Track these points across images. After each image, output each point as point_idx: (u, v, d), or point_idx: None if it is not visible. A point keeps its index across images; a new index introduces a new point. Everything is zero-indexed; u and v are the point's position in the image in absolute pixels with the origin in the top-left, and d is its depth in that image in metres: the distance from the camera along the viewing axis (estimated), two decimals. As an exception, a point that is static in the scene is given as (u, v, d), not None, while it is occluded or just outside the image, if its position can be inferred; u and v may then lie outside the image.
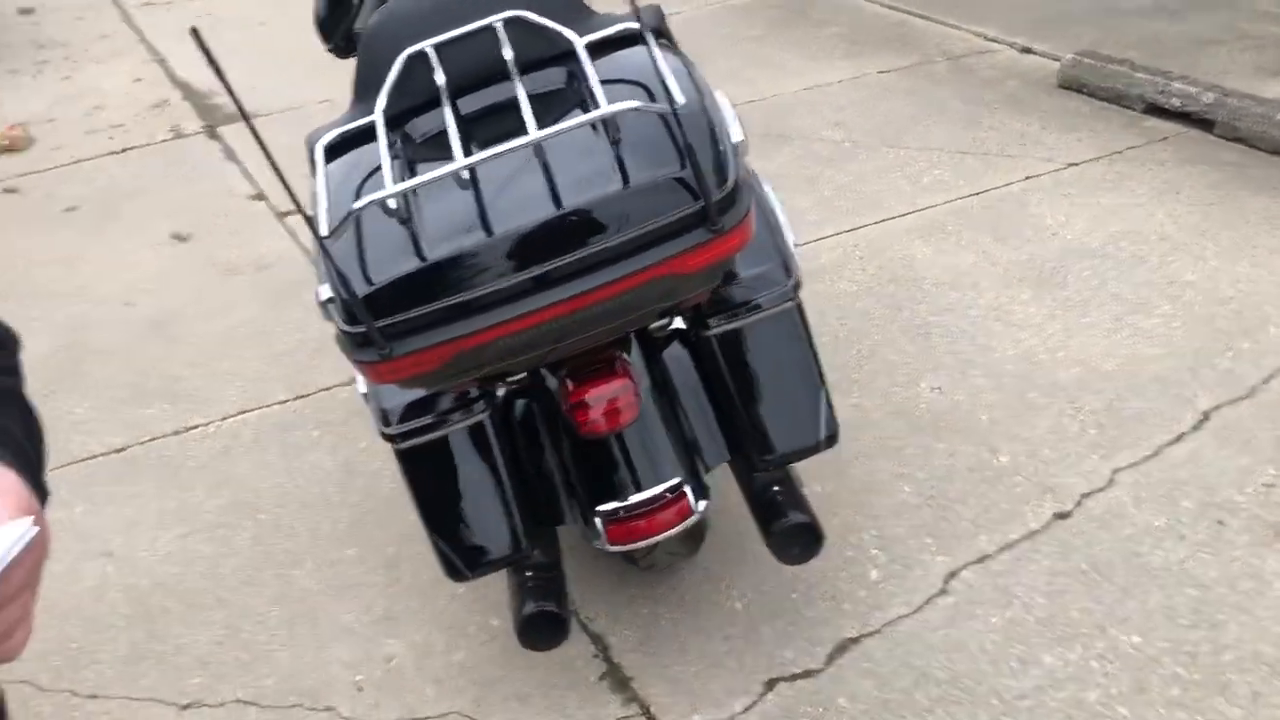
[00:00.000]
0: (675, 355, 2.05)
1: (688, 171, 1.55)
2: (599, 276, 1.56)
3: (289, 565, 2.51)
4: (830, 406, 2.02)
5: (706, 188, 1.52)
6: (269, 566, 2.51)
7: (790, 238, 2.49)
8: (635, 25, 1.75)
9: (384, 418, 1.91)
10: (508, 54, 1.77)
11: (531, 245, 1.56)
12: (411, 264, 1.56)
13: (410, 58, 1.78)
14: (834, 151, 4.16)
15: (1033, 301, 3.14)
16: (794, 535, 2.00)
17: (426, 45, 1.75)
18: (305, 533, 2.59)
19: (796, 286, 1.99)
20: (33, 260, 4.07)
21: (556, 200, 1.57)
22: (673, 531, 1.96)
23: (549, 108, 1.68)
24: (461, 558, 1.93)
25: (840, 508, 2.50)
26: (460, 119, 1.71)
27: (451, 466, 1.93)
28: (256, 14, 6.56)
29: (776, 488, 2.07)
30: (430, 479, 1.93)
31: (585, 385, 1.86)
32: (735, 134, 1.70)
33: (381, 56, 1.79)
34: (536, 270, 1.56)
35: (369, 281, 1.56)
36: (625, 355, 1.95)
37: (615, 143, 1.60)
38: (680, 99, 1.58)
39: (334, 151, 1.83)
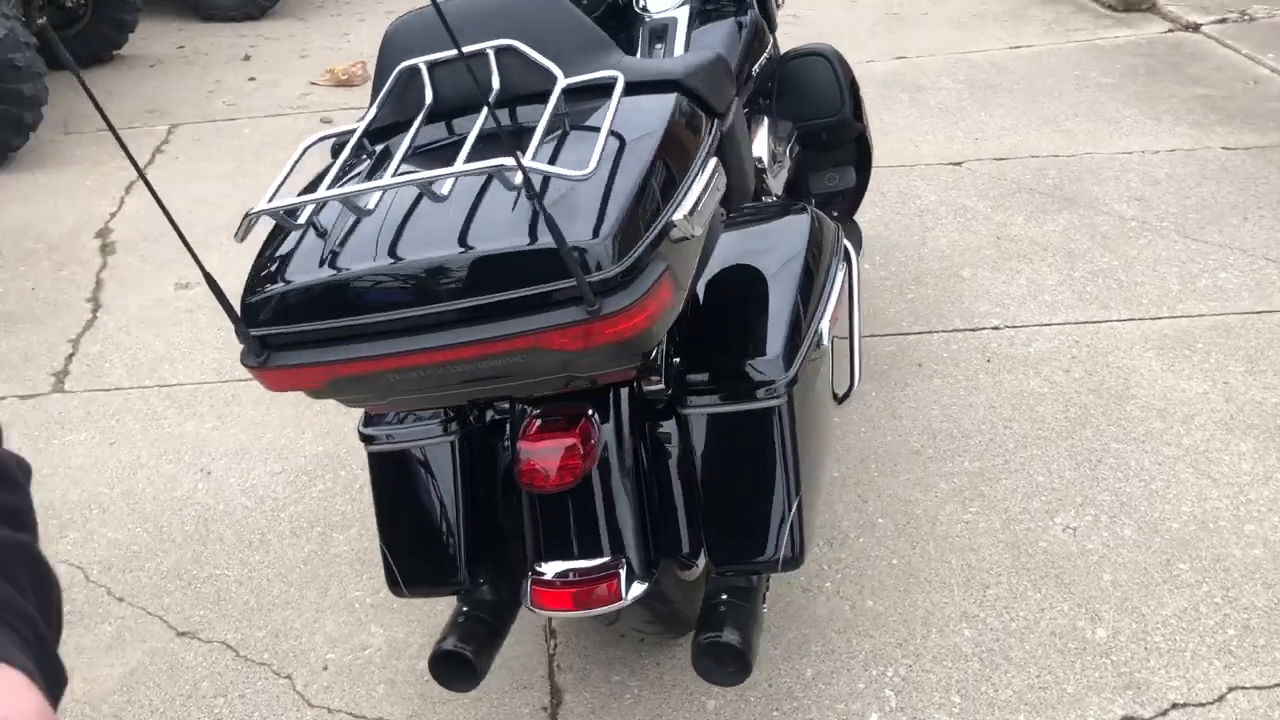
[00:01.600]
0: (663, 427, 1.88)
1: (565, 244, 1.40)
2: (466, 333, 1.46)
3: (336, 527, 2.61)
4: (799, 526, 1.78)
5: (573, 265, 1.37)
6: (319, 524, 2.62)
7: (855, 332, 2.23)
8: (616, 74, 1.61)
9: (364, 416, 1.92)
10: (494, 83, 1.68)
11: (408, 287, 1.49)
12: (294, 281, 1.53)
13: (411, 71, 1.74)
14: (1115, 229, 3.65)
15: (1249, 456, 2.59)
16: (716, 654, 1.79)
17: (420, 61, 1.71)
18: (367, 500, 2.67)
19: (791, 383, 1.77)
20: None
21: (440, 246, 1.48)
22: (593, 613, 1.82)
23: (494, 147, 1.58)
24: (402, 574, 1.91)
25: (880, 631, 2.21)
26: (414, 143, 1.65)
27: (413, 481, 1.91)
28: None
29: (726, 596, 1.86)
30: (391, 488, 1.91)
31: (535, 434, 1.76)
32: (679, 212, 1.51)
33: (388, 65, 1.77)
34: (407, 313, 1.48)
35: (252, 290, 1.55)
36: (592, 413, 1.82)
37: (531, 198, 1.48)
38: (589, 167, 1.43)
39: (336, 152, 1.84)
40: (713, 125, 1.72)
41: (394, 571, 1.91)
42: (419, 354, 1.48)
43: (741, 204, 1.91)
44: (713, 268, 1.97)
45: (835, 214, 3.05)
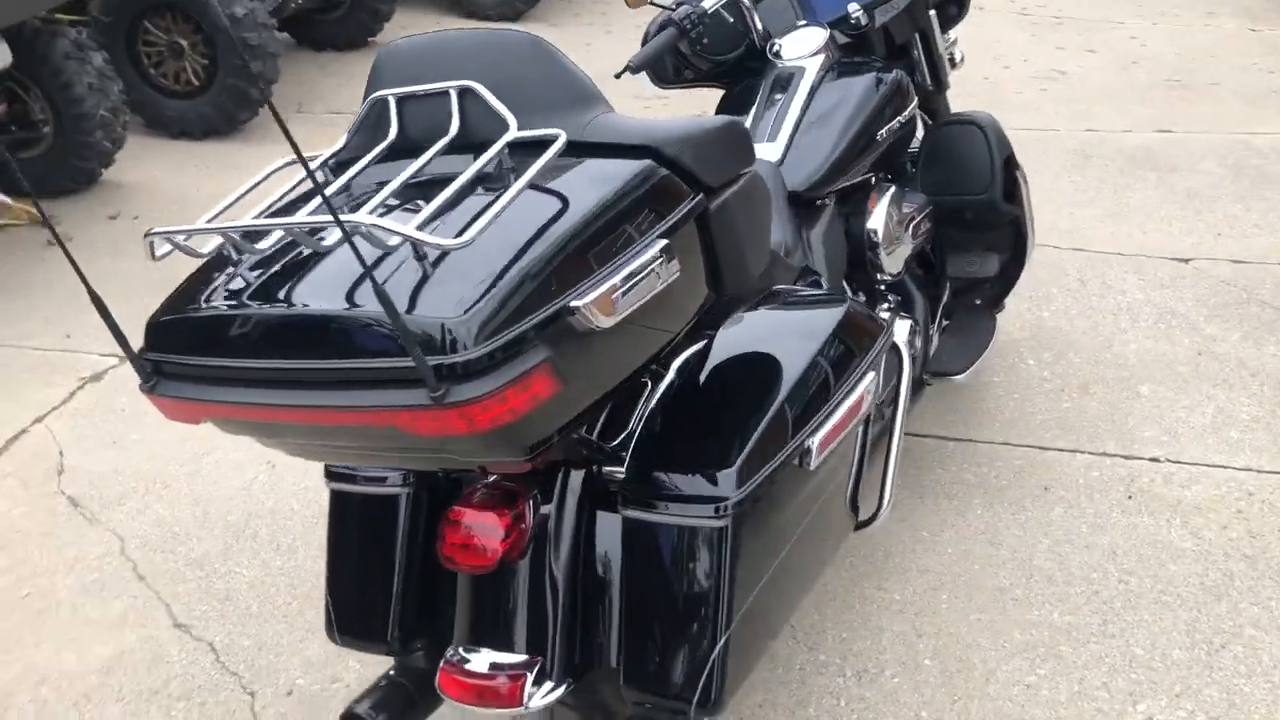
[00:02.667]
0: (609, 521, 1.68)
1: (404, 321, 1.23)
2: (318, 397, 1.32)
3: (361, 548, 2.55)
4: (722, 667, 1.54)
5: (409, 342, 1.20)
6: (348, 540, 2.57)
7: (894, 449, 1.94)
8: (557, 132, 1.43)
9: None
10: (454, 125, 1.54)
11: (269, 337, 1.36)
12: (184, 311, 1.44)
13: (381, 102, 1.62)
14: (1352, 364, 3.07)
15: None
16: None
17: (389, 94, 1.59)
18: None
19: (740, 504, 1.53)
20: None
21: (307, 299, 1.35)
22: (493, 712, 1.65)
23: (423, 193, 1.43)
24: (337, 620, 1.82)
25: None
26: (354, 179, 1.53)
27: (363, 527, 1.81)
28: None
29: None
30: (342, 529, 1.83)
31: (462, 507, 1.62)
32: (585, 298, 1.31)
33: (369, 91, 1.67)
34: (263, 363, 1.36)
35: (159, 312, 1.47)
36: (535, 494, 1.65)
37: (420, 259, 1.32)
38: (467, 235, 1.26)
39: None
40: (691, 202, 1.49)
41: (330, 615, 1.82)
42: (276, 410, 1.36)
43: (741, 289, 1.66)
44: (718, 351, 1.75)
45: (977, 301, 2.71)
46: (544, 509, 1.66)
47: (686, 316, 1.56)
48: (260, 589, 2.45)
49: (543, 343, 1.27)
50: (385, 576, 1.76)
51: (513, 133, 1.45)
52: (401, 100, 1.58)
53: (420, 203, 1.35)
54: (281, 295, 1.37)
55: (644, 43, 2.47)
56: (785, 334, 1.78)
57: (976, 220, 2.62)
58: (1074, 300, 3.46)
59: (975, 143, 2.56)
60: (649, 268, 1.39)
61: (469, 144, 1.50)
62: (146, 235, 1.44)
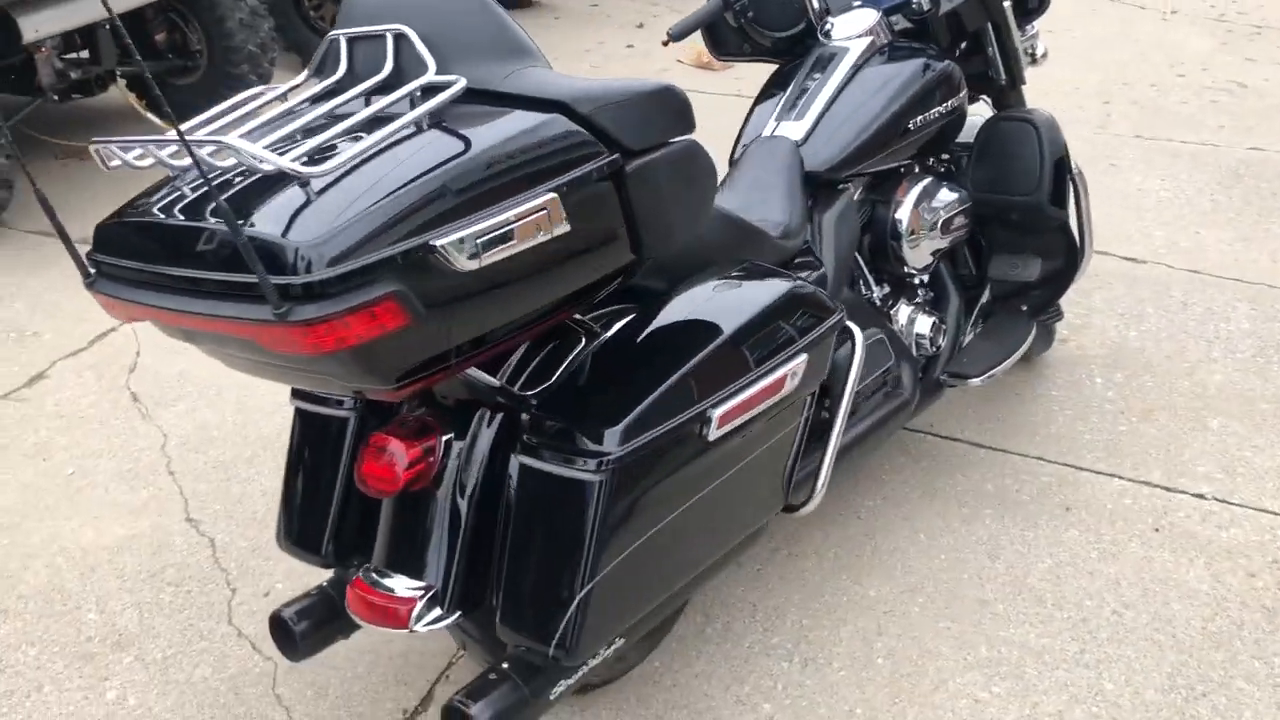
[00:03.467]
0: (512, 468, 1.72)
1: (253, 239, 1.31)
2: (194, 304, 1.41)
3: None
4: (581, 618, 1.58)
5: (249, 256, 1.27)
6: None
7: (834, 437, 1.89)
8: (457, 79, 1.47)
9: None
10: (387, 66, 1.59)
11: (167, 246, 1.45)
12: (122, 216, 1.55)
13: (334, 41, 1.69)
14: None
15: None
16: (450, 717, 1.63)
17: (340, 34, 1.65)
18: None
19: (620, 461, 1.55)
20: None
21: (206, 215, 1.43)
22: (382, 630, 1.73)
23: (330, 128, 1.49)
24: (284, 529, 1.93)
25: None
26: (293, 110, 1.60)
27: (313, 444, 1.91)
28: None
29: (507, 666, 1.69)
30: (297, 444, 1.94)
31: (380, 433, 1.69)
32: (448, 238, 1.35)
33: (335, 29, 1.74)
34: (161, 269, 1.45)
35: (110, 215, 1.58)
36: (450, 433, 1.71)
37: (304, 186, 1.39)
38: (325, 165, 1.32)
39: None
40: (599, 161, 1.50)
41: (279, 523, 1.93)
42: (167, 314, 1.45)
43: (659, 256, 1.66)
44: (655, 315, 1.76)
45: (1023, 307, 2.60)
46: (460, 446, 1.72)
47: (593, 272, 1.57)
48: (270, 498, 2.61)
49: (394, 275, 1.32)
50: (326, 494, 1.85)
51: (426, 77, 1.50)
52: (352, 40, 1.64)
53: (321, 136, 1.42)
54: (183, 209, 1.46)
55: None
56: (720, 306, 1.78)
57: (1023, 222, 2.51)
58: (1168, 322, 3.25)
59: (1027, 141, 2.45)
60: (528, 218, 1.41)
61: (398, 85, 1.56)
62: (90, 143, 1.56)
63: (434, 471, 1.69)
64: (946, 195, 2.41)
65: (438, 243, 1.34)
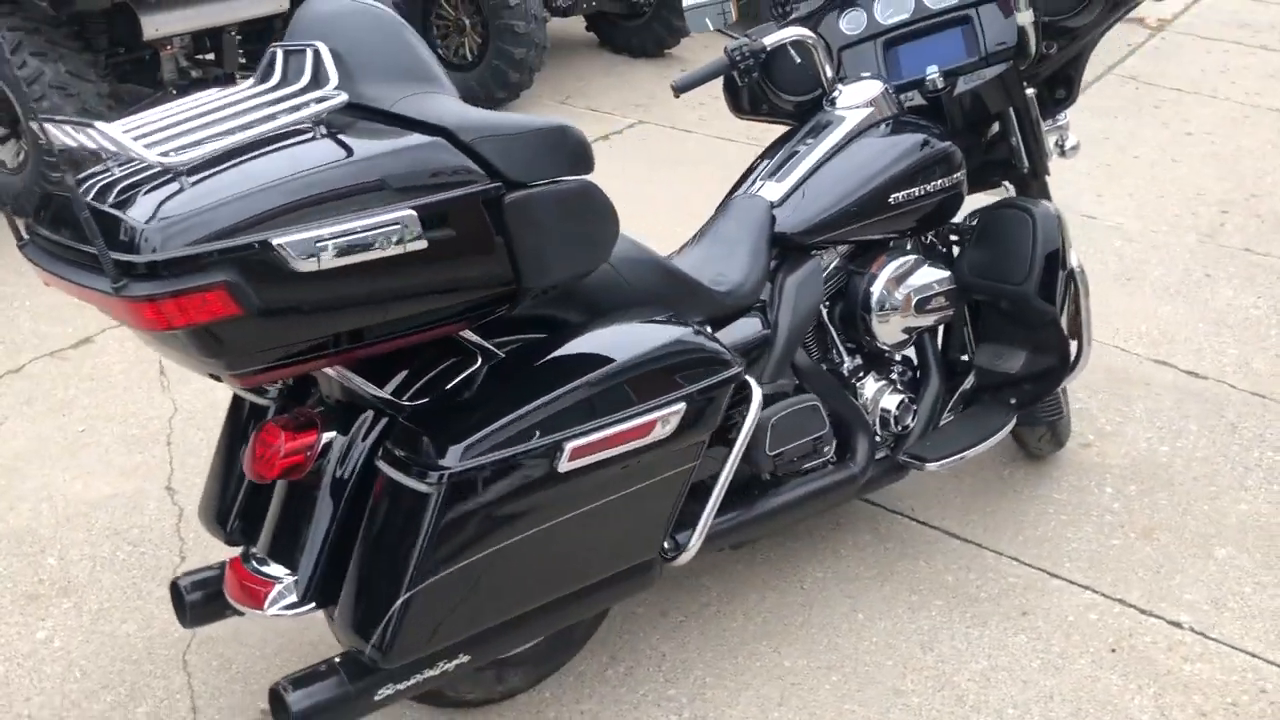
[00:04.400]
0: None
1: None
2: (67, 271, 1.52)
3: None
4: (398, 623, 1.63)
5: (90, 229, 1.38)
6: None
7: (715, 494, 1.88)
8: (338, 94, 1.56)
9: None
10: (304, 78, 1.67)
11: (59, 218, 1.56)
12: (50, 187, 1.68)
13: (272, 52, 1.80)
14: None
15: None
16: (275, 709, 1.69)
17: (276, 47, 1.75)
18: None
19: (455, 476, 1.61)
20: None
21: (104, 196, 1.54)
22: (241, 609, 1.81)
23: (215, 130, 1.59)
24: (201, 504, 2.04)
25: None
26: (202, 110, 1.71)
27: (232, 429, 2.03)
28: None
29: (339, 660, 1.73)
30: (226, 424, 2.06)
31: (272, 423, 1.79)
32: (289, 237, 1.42)
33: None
34: (58, 239, 1.56)
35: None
36: (327, 431, 1.79)
37: (179, 177, 1.48)
38: (179, 159, 1.43)
39: None
40: (473, 188, 1.55)
41: (201, 496, 2.04)
42: (57, 280, 1.56)
43: (542, 285, 1.70)
44: (549, 345, 1.82)
45: (1011, 400, 2.51)
46: (340, 446, 1.79)
47: (466, 294, 1.62)
48: (248, 479, 2.73)
49: (230, 266, 1.40)
50: (240, 476, 1.95)
51: (319, 91, 1.59)
52: (287, 52, 1.74)
53: (201, 133, 1.52)
54: (89, 188, 1.58)
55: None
56: (608, 346, 1.81)
57: (1012, 312, 2.44)
58: (1209, 443, 3.07)
59: (1021, 230, 2.38)
60: (377, 230, 1.47)
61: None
62: (34, 119, 1.70)
63: (309, 466, 1.76)
64: (926, 274, 2.36)
65: (276, 241, 1.42)
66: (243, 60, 4.68)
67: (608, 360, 1.76)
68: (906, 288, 2.32)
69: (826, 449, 2.22)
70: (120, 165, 1.60)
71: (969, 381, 2.54)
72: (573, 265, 1.71)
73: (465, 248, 1.58)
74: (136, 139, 1.47)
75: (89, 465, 2.78)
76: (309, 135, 1.56)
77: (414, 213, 1.50)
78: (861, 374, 2.39)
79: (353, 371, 1.73)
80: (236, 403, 2.02)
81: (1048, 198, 2.64)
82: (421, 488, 1.61)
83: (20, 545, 2.51)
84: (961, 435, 2.44)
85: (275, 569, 1.80)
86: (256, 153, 1.50)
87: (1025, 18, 2.32)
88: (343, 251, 1.45)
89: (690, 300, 2.04)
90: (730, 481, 2.16)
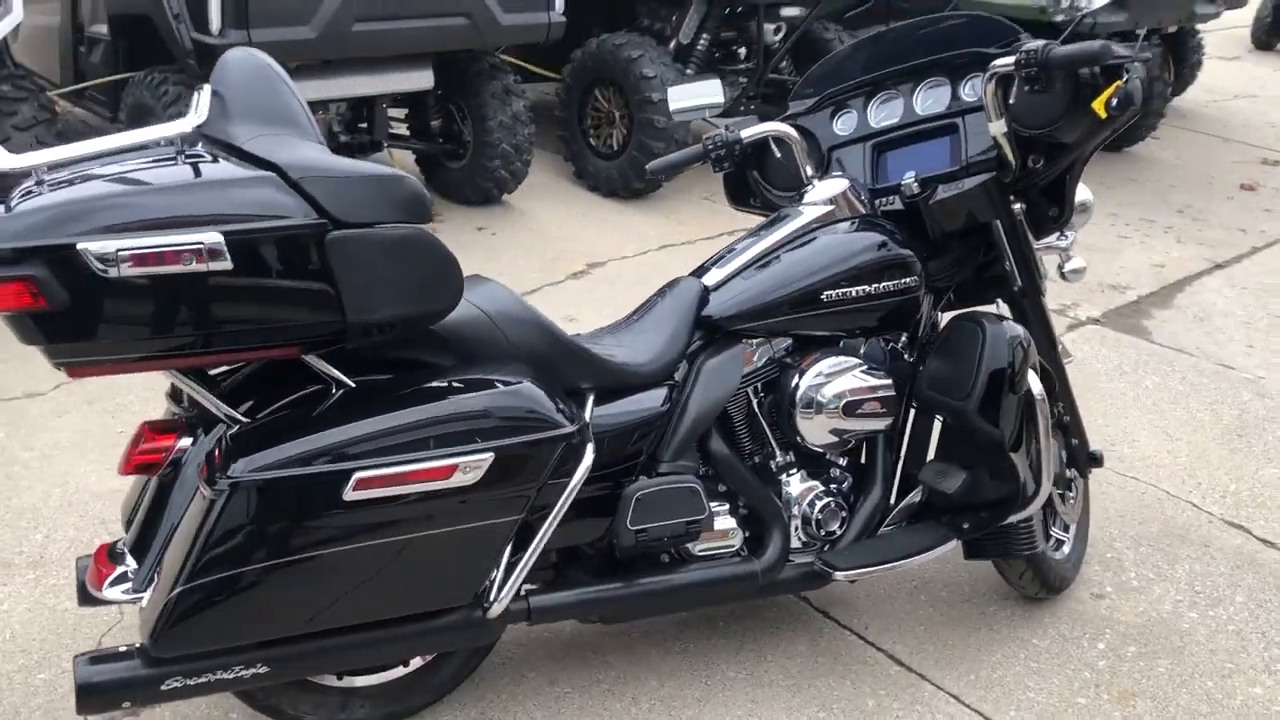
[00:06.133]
0: None
1: None
2: None
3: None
4: (169, 613, 1.75)
5: None
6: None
7: (533, 550, 1.92)
8: (189, 128, 1.76)
9: None
10: (204, 114, 1.84)
11: None
12: None
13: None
14: None
15: None
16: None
17: (205, 86, 1.93)
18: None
19: (236, 486, 1.72)
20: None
21: None
22: (90, 592, 1.94)
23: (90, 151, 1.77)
24: (124, 500, 2.23)
25: None
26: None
27: None
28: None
29: (140, 645, 1.85)
30: None
31: (146, 425, 1.95)
32: (104, 246, 1.57)
33: None
34: None
35: None
36: (185, 437, 1.92)
37: (39, 184, 1.67)
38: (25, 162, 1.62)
39: None
40: (291, 222, 1.66)
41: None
42: None
43: (378, 327, 1.78)
44: (391, 383, 1.91)
45: (964, 525, 2.37)
46: (191, 452, 1.92)
47: (287, 319, 1.71)
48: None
49: (39, 263, 1.56)
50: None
51: (184, 124, 1.77)
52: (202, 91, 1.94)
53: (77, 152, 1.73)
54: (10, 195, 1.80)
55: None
56: (440, 390, 1.88)
57: (957, 429, 2.31)
58: (1250, 618, 2.75)
59: (970, 344, 2.27)
60: (183, 246, 1.60)
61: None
62: None
63: (161, 466, 1.90)
64: (861, 378, 2.27)
65: (80, 245, 1.57)
66: (394, 130, 5.07)
67: (429, 403, 1.83)
68: (836, 388, 2.24)
69: (735, 540, 2.23)
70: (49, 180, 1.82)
71: (918, 496, 2.41)
72: (402, 306, 1.77)
73: (285, 276, 1.68)
74: (38, 164, 1.67)
75: (111, 462, 3.04)
76: (168, 159, 1.72)
77: (220, 237, 1.62)
78: (791, 471, 2.32)
79: (204, 385, 1.84)
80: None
81: (1043, 319, 2.49)
82: (208, 494, 1.72)
83: (19, 519, 2.78)
84: (886, 549, 2.31)
85: (130, 560, 1.93)
86: (107, 170, 1.68)
87: (997, 127, 2.25)
88: (141, 262, 1.59)
89: (575, 366, 2.07)
90: (606, 553, 2.15)
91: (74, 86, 4.95)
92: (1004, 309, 2.52)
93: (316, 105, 4.62)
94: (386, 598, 1.88)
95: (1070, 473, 2.69)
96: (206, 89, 1.85)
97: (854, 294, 2.25)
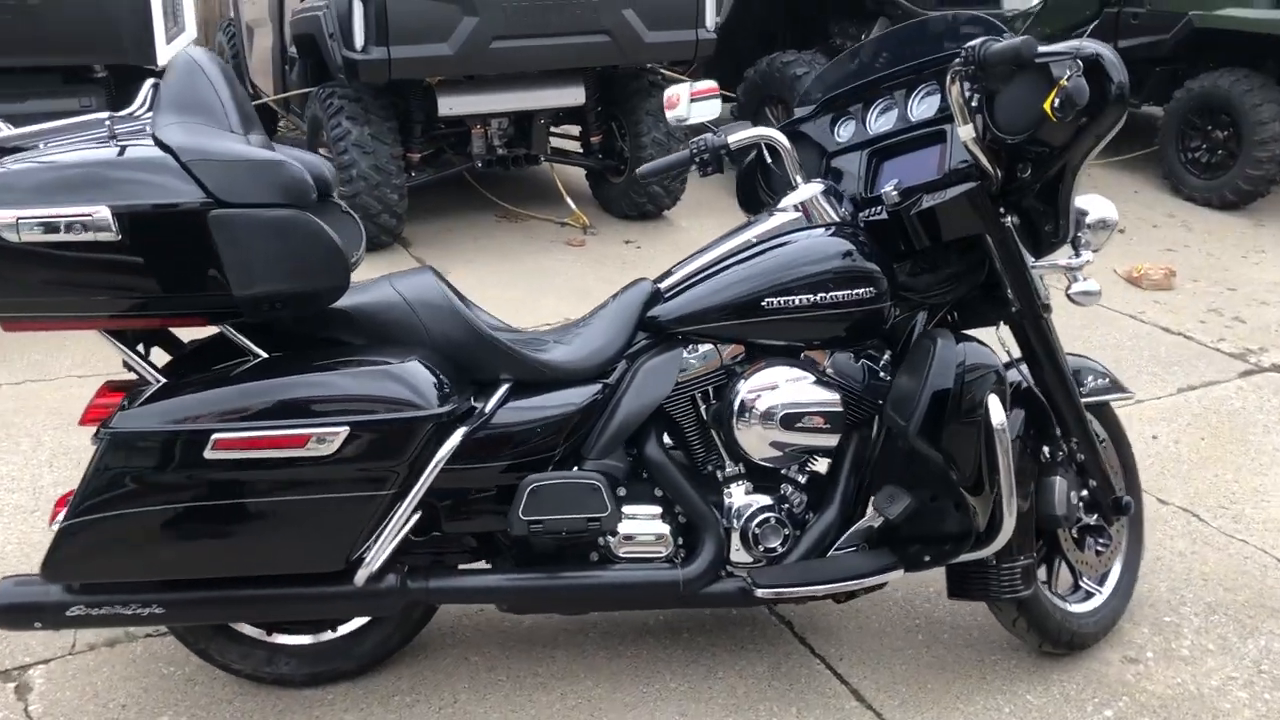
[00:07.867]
0: None
1: None
2: None
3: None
4: (58, 547, 1.96)
5: None
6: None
7: None
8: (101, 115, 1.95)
9: None
10: (143, 106, 2.06)
11: None
12: None
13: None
14: None
15: None
16: None
17: (150, 81, 2.12)
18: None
19: (113, 433, 1.92)
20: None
21: None
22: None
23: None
24: None
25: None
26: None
27: None
28: None
29: None
30: None
31: (105, 384, 2.16)
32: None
33: None
34: None
35: None
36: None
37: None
38: None
39: None
40: (180, 199, 1.82)
41: None
42: None
43: (266, 302, 1.90)
44: (291, 354, 2.04)
45: (925, 558, 2.23)
46: None
47: (179, 290, 1.87)
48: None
49: None
50: None
51: (124, 113, 1.98)
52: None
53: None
54: None
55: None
56: (318, 365, 2.01)
57: (906, 449, 2.16)
58: (1309, 705, 2.40)
59: (921, 361, 2.12)
60: (71, 218, 1.80)
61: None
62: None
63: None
64: (805, 392, 2.16)
65: None
66: (555, 145, 5.27)
67: (307, 375, 1.95)
68: (773, 399, 2.15)
69: (666, 546, 2.19)
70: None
71: (874, 519, 2.26)
72: (281, 283, 1.89)
73: (167, 248, 1.85)
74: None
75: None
76: (106, 142, 1.92)
77: (107, 210, 1.80)
78: (737, 483, 2.25)
79: (131, 346, 2.03)
80: None
81: (1046, 345, 2.27)
82: (103, 433, 1.90)
83: (14, 481, 3.12)
84: (819, 571, 2.20)
85: None
86: (41, 148, 1.90)
87: (965, 132, 2.08)
88: (42, 230, 1.79)
89: (492, 358, 2.13)
90: (508, 544, 2.18)
91: (274, 97, 5.49)
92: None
93: (475, 120, 4.89)
94: (257, 555, 2.00)
95: (1094, 519, 2.44)
96: (149, 82, 2.07)
97: (797, 303, 2.15)
